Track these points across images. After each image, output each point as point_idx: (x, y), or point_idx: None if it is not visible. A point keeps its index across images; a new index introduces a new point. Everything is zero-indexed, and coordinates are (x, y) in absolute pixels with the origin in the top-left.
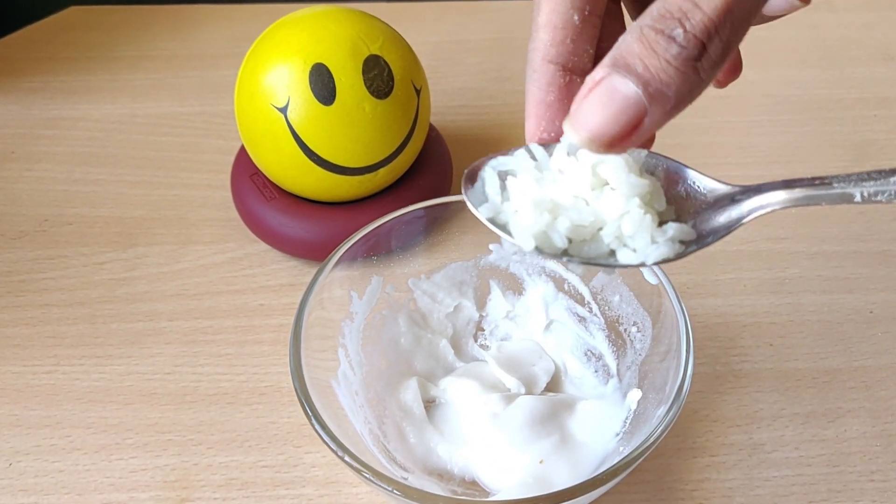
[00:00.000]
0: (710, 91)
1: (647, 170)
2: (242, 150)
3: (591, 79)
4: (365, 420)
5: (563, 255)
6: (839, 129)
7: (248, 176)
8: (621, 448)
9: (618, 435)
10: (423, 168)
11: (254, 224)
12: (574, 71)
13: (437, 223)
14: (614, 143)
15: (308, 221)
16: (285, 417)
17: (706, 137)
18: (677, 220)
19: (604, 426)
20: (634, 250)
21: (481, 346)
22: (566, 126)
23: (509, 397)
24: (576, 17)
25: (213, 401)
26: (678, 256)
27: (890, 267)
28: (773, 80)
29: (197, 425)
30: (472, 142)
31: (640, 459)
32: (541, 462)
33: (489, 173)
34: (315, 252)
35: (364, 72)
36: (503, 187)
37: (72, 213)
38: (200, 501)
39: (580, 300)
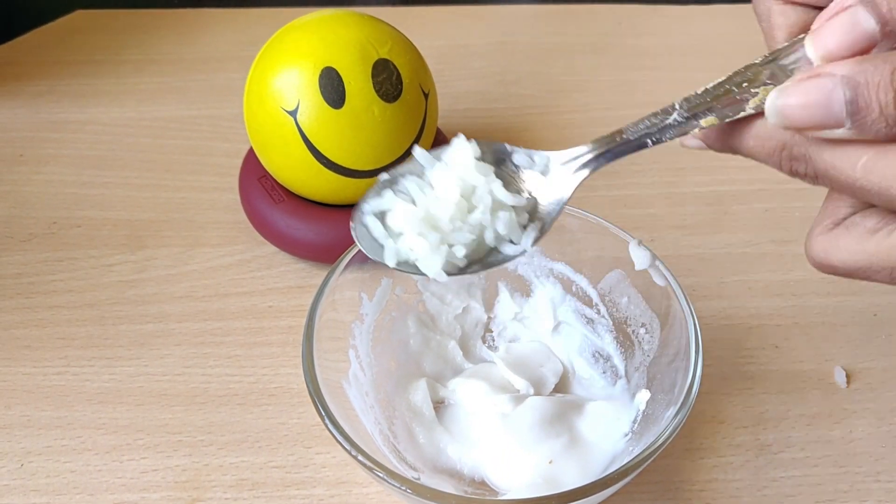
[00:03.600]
0: None
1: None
2: (251, 153)
3: (838, 4)
4: (375, 420)
5: (467, 268)
6: None
7: (256, 178)
8: (630, 448)
9: (626, 435)
10: None
11: (262, 226)
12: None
13: None
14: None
15: (316, 224)
16: (295, 418)
17: None
18: (519, 193)
19: (612, 427)
20: (513, 241)
21: (489, 347)
22: (808, 41)
23: (518, 398)
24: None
25: (223, 402)
26: (542, 232)
27: None
28: None
29: (207, 426)
30: None
31: (650, 460)
32: (550, 462)
33: (371, 220)
34: (323, 254)
35: (373, 75)
36: (386, 227)
37: (80, 216)
38: (211, 502)
39: (588, 302)
